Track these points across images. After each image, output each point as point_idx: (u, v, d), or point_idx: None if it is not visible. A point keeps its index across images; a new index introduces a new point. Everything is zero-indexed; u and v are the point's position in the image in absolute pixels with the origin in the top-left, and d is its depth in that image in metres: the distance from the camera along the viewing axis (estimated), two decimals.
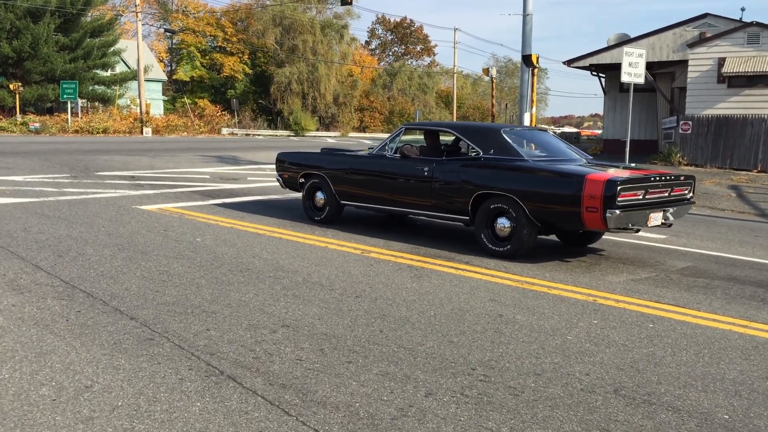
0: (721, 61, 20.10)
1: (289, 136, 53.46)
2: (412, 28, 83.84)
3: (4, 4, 39.59)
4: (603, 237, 8.86)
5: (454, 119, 71.30)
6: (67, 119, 38.94)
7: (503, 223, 7.67)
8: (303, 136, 54.37)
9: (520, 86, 20.15)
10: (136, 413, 3.59)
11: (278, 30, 61.13)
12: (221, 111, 52.84)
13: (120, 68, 49.64)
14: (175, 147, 26.85)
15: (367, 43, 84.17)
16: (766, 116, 19.12)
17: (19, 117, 38.93)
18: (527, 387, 4.09)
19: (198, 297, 5.73)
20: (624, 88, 25.76)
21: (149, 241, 7.95)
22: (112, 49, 47.03)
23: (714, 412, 3.83)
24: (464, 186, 7.91)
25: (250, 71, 63.17)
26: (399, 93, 71.15)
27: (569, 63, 25.48)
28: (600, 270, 7.36)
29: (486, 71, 25.38)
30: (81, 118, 40.87)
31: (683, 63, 22.30)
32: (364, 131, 66.03)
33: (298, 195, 11.36)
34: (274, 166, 17.99)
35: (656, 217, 7.45)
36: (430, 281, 6.58)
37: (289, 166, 10.05)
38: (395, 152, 8.78)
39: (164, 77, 60.96)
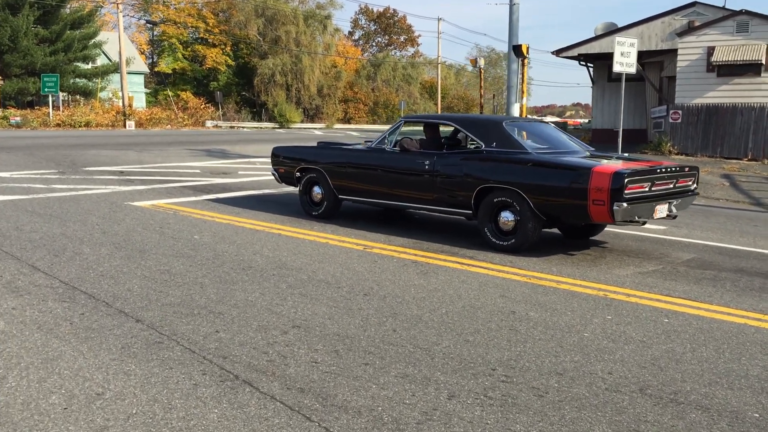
0: (710, 50, 20.11)
1: (274, 128, 53.09)
2: (396, 18, 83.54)
3: None
4: (604, 229, 8.79)
5: (439, 110, 71.18)
6: (49, 113, 38.38)
7: (507, 217, 7.57)
8: (288, 128, 54.02)
9: (507, 76, 20.05)
10: (152, 421, 3.46)
11: (261, 21, 60.66)
12: (205, 103, 52.35)
13: (101, 61, 49.00)
14: (161, 140, 26.53)
15: (351, 33, 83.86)
16: (755, 105, 19.17)
17: None
18: (551, 387, 3.99)
19: (203, 297, 5.59)
20: (612, 77, 25.78)
21: (146, 239, 7.78)
22: (92, 41, 46.40)
23: (744, 411, 3.76)
24: (466, 179, 7.80)
25: (232, 63, 62.66)
26: (383, 84, 70.91)
27: (558, 53, 25.43)
28: (606, 263, 7.29)
29: (474, 61, 25.28)
30: (62, 111, 40.33)
31: (672, 52, 22.30)
32: (349, 123, 65.79)
33: (294, 189, 11.21)
34: (264, 160, 17.82)
35: (662, 209, 7.38)
36: (437, 277, 6.47)
37: (285, 161, 9.89)
38: (394, 145, 8.65)
39: (146, 69, 60.29)
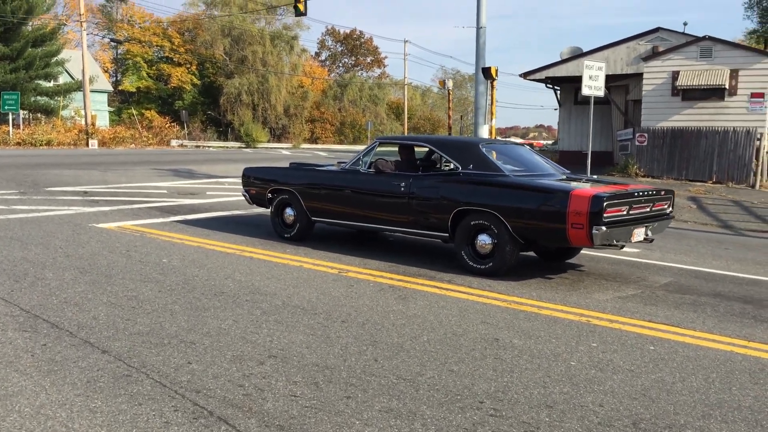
0: (675, 75, 20.41)
1: (240, 147, 52.64)
2: (362, 40, 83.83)
3: None
4: (580, 251, 8.72)
5: (405, 131, 71.42)
6: (9, 131, 37.49)
7: (484, 240, 7.44)
8: (255, 147, 53.61)
9: (475, 98, 20.09)
10: None
11: (227, 41, 60.42)
12: (170, 122, 51.72)
13: (63, 79, 48.17)
14: (125, 160, 26.03)
15: (317, 54, 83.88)
16: (720, 129, 19.45)
17: None
18: (542, 422, 3.83)
19: (173, 325, 5.33)
20: (579, 100, 26.06)
21: (112, 262, 7.48)
22: (55, 59, 45.58)
23: None
24: (443, 202, 7.67)
25: (198, 82, 62.18)
26: (350, 104, 70.99)
27: (525, 75, 25.63)
28: (585, 287, 7.19)
29: (442, 83, 25.33)
30: (23, 130, 39.42)
31: (637, 76, 22.60)
32: (316, 142, 65.59)
33: (265, 211, 10.98)
34: (233, 180, 17.54)
35: (639, 233, 7.33)
36: (416, 302, 6.30)
37: (256, 182, 9.66)
38: (369, 167, 8.49)
39: (110, 88, 59.49)
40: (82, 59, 40.79)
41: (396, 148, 9.06)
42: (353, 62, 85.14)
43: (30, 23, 45.02)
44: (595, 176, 12.77)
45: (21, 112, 40.57)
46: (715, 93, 20.00)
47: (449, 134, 25.39)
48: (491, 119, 18.53)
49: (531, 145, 64.44)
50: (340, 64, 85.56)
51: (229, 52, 60.94)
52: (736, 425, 3.88)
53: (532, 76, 25.79)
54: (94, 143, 40.36)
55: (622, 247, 7.26)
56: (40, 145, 36.87)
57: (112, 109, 58.86)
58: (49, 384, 4.10)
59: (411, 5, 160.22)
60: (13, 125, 38.09)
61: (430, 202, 7.79)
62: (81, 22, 41.55)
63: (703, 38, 20.49)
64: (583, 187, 7.11)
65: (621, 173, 20.22)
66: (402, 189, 7.97)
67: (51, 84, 45.97)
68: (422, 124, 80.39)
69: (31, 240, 8.59)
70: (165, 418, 3.69)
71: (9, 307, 5.67)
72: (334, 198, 8.66)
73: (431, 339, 5.24)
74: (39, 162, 22.64)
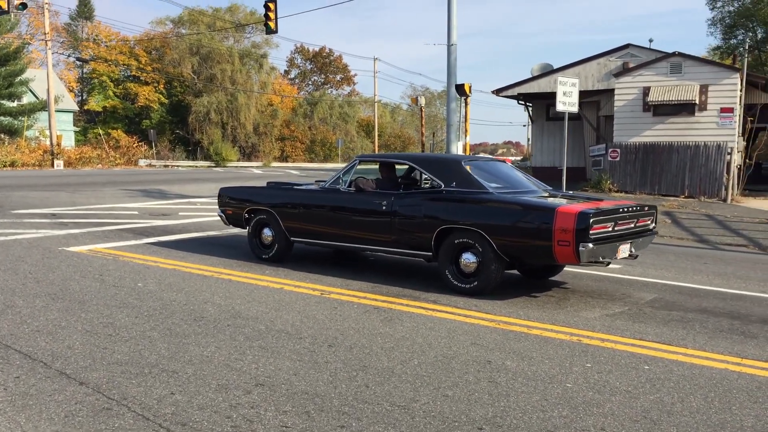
0: (646, 90, 20.63)
1: (210, 166, 52.17)
2: (332, 58, 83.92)
3: None
4: (564, 268, 8.65)
5: (376, 148, 71.48)
6: None
7: (469, 259, 7.32)
8: (225, 166, 53.19)
9: (447, 115, 20.11)
10: None
11: (195, 59, 60.10)
12: (138, 142, 51.08)
13: (28, 98, 47.39)
14: (93, 180, 25.55)
15: (287, 72, 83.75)
16: (691, 143, 19.68)
17: None
18: None
19: (153, 353, 5.11)
20: (550, 116, 26.27)
21: (85, 288, 7.21)
22: (18, 78, 44.86)
23: None
24: (426, 220, 7.54)
25: (166, 101, 61.65)
26: (320, 122, 70.87)
27: (498, 92, 25.76)
28: (571, 305, 7.10)
29: (415, 100, 25.39)
30: None
31: (608, 92, 22.83)
32: (286, 161, 65.29)
33: (240, 231, 10.77)
34: (205, 200, 17.27)
35: (624, 249, 7.26)
36: (402, 324, 6.14)
37: (233, 202, 9.45)
38: (349, 185, 8.34)
39: (75, 107, 58.66)
40: (47, 79, 40.16)
41: (376, 167, 8.93)
42: (323, 80, 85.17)
43: None
44: (570, 192, 12.77)
45: None
46: (686, 108, 20.25)
47: (422, 151, 25.36)
48: (466, 136, 18.54)
49: (504, 162, 64.96)
50: (310, 82, 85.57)
51: (197, 71, 60.58)
52: None
53: (504, 93, 25.93)
54: (59, 164, 39.69)
55: (608, 263, 7.19)
56: (4, 166, 36.14)
57: (77, 129, 58.03)
58: (24, 420, 3.86)
59: (380, 23, 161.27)
60: None
61: (413, 220, 7.66)
62: (46, 41, 40.92)
63: (673, 54, 20.78)
64: (569, 204, 7.03)
65: (594, 189, 20.34)
66: (384, 207, 7.83)
67: (15, 104, 45.21)
68: (393, 141, 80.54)
69: None
70: None
71: None
72: (314, 217, 8.49)
73: (422, 362, 5.09)
74: (3, 184, 22.13)
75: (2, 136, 44.02)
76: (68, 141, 50.35)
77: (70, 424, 3.82)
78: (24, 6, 25.92)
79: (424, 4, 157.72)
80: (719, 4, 52.37)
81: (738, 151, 20.73)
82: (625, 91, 21.06)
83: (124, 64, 61.44)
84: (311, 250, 9.96)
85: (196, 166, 51.48)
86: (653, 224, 7.95)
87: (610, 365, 5.15)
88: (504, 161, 9.23)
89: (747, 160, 21.43)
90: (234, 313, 6.35)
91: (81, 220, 12.79)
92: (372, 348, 5.41)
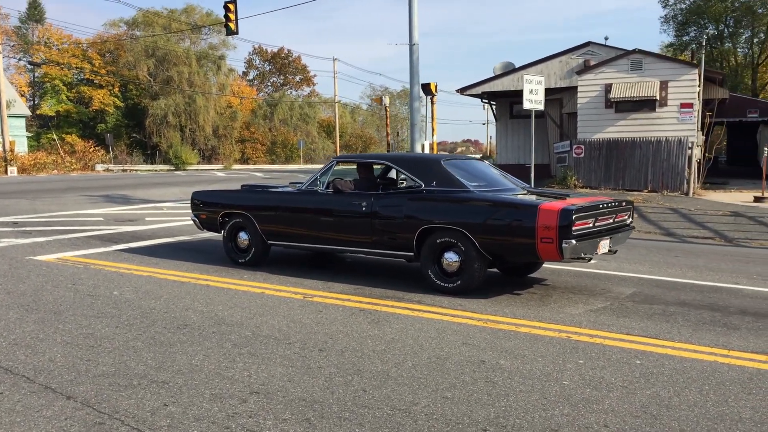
0: (608, 87, 20.92)
1: (170, 170, 51.39)
2: (291, 59, 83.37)
3: None
4: (543, 265, 8.69)
5: (338, 149, 71.29)
6: None
7: (451, 258, 7.30)
8: (185, 169, 52.47)
9: (410, 115, 20.12)
10: None
11: (151, 61, 59.13)
12: (94, 146, 50.05)
13: None
14: (52, 187, 24.95)
15: (245, 74, 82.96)
16: (653, 139, 20.03)
17: None
18: None
19: (140, 364, 4.97)
20: (514, 114, 26.47)
21: (59, 298, 7.00)
22: None
23: None
24: (407, 220, 7.49)
25: (121, 104, 60.52)
26: (280, 123, 70.34)
27: (462, 91, 25.86)
28: (554, 302, 7.12)
29: (379, 100, 25.34)
30: None
31: (571, 89, 23.09)
32: (247, 163, 64.68)
33: (212, 235, 10.62)
34: (171, 205, 16.99)
35: (604, 245, 7.32)
36: (390, 326, 6.08)
37: (207, 206, 9.28)
38: (327, 187, 8.25)
39: (27, 112, 57.13)
40: None
41: (352, 168, 8.85)
42: (282, 81, 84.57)
43: None
44: (538, 188, 12.86)
45: None
46: (647, 104, 20.59)
47: (388, 151, 25.33)
48: (433, 135, 18.57)
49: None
50: (269, 84, 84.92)
51: (153, 73, 59.63)
52: None
53: (468, 92, 26.04)
54: (13, 170, 38.72)
55: (590, 259, 7.23)
56: None
57: (30, 134, 56.58)
58: None
59: (337, 24, 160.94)
60: None
61: (393, 221, 7.60)
62: None
63: (634, 51, 21.10)
64: (550, 201, 7.05)
65: (560, 185, 20.55)
66: (364, 209, 7.76)
67: None
68: (354, 141, 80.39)
69: None
70: None
71: None
72: (292, 220, 8.38)
73: (416, 364, 5.04)
74: None
75: None
76: (21, 147, 49.09)
77: None
78: None
79: (380, 4, 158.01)
80: (671, 1, 53.53)
81: (698, 146, 21.14)
82: (588, 88, 21.33)
83: (77, 68, 60.19)
84: (287, 253, 9.84)
85: (156, 170, 50.69)
86: (630, 219, 8.03)
87: (602, 361, 5.16)
88: (478, 159, 9.21)
89: (706, 155, 21.89)
90: (218, 319, 6.22)
91: (45, 228, 12.45)
92: (363, 351, 5.34)
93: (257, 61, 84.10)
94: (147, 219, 14.39)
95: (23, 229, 12.37)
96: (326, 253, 9.52)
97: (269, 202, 8.64)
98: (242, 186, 9.76)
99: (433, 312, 6.59)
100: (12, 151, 40.44)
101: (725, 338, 5.84)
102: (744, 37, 53.90)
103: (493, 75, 25.53)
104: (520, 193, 7.84)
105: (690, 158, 19.81)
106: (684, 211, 16.61)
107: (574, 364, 5.09)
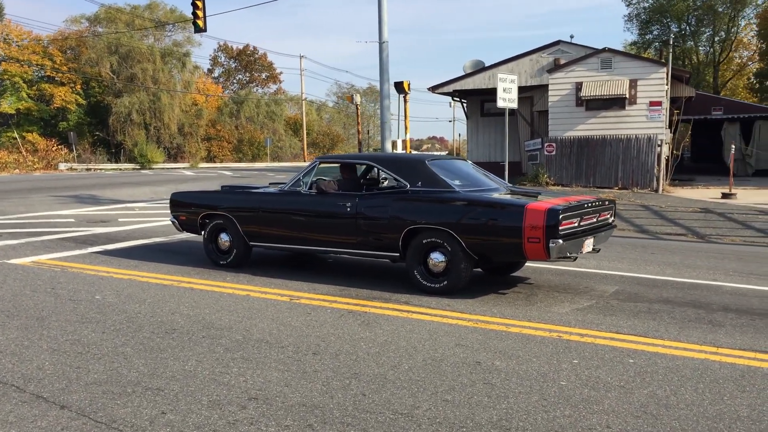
0: (578, 86, 21.13)
1: (135, 169, 50.65)
2: (256, 56, 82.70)
3: None
4: (525, 264, 8.74)
5: (305, 146, 70.99)
6: None
7: (437, 258, 7.30)
8: (151, 168, 51.74)
9: (381, 113, 20.09)
10: None
11: (114, 58, 58.13)
12: (57, 145, 49.09)
13: None
14: (17, 187, 24.40)
15: (210, 71, 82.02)
16: (623, 136, 20.30)
17: None
18: None
19: (132, 371, 4.87)
20: (485, 112, 26.60)
21: (40, 303, 6.84)
22: None
23: None
24: (393, 221, 7.47)
25: (84, 102, 59.36)
26: (247, 121, 69.69)
27: (434, 89, 25.90)
28: (540, 300, 7.16)
29: (350, 98, 25.24)
30: None
31: (541, 87, 23.28)
32: (213, 161, 63.98)
33: (189, 236, 10.51)
34: (143, 205, 16.73)
35: (589, 244, 7.38)
36: (381, 328, 6.05)
37: (187, 207, 9.15)
38: (311, 187, 8.19)
39: None
40: None
41: (334, 168, 8.79)
42: (248, 78, 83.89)
43: None
44: (521, 188, 12.93)
45: None
46: (617, 102, 20.85)
47: (359, 150, 25.27)
48: (406, 133, 18.56)
49: None
50: (235, 81, 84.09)
51: (116, 70, 58.64)
52: None
53: (440, 90, 26.09)
54: None
55: (575, 258, 7.28)
56: None
57: None
58: None
59: (302, 21, 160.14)
60: None
61: (379, 221, 7.57)
62: None
63: (603, 50, 21.35)
64: (537, 201, 7.08)
65: (532, 182, 20.71)
66: (348, 209, 7.72)
67: None
68: (321, 139, 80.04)
69: None
70: None
71: None
72: (275, 221, 8.30)
73: (412, 367, 5.03)
74: None
75: None
76: None
77: None
78: None
79: (346, 1, 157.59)
80: (635, 0, 54.35)
81: (666, 143, 21.48)
82: (559, 86, 21.53)
83: (37, 65, 58.89)
84: (269, 254, 9.75)
85: (122, 169, 49.92)
86: (612, 218, 8.12)
87: (596, 360, 5.20)
88: (461, 159, 9.22)
89: (674, 152, 22.25)
90: (206, 323, 6.14)
91: (16, 230, 12.17)
92: (358, 354, 5.31)
93: (223, 58, 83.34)
94: (120, 220, 14.14)
95: None
96: (307, 254, 9.45)
97: (251, 203, 8.55)
98: (222, 187, 9.64)
99: (422, 313, 6.58)
100: None
101: (712, 335, 5.92)
102: (706, 35, 55.03)
103: (463, 73, 25.61)
104: (504, 192, 7.87)
105: (659, 156, 20.13)
106: (655, 208, 16.85)
107: (568, 364, 5.12)
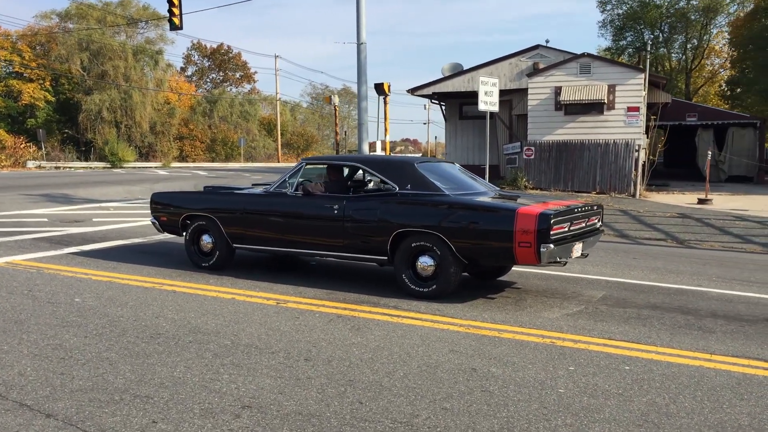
0: (557, 90, 21.23)
1: (106, 167, 49.90)
2: (231, 55, 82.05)
3: None
4: (511, 269, 8.70)
5: (279, 147, 70.60)
6: None
7: (426, 262, 7.21)
8: (122, 167, 51.02)
9: (358, 114, 19.95)
10: None
11: (85, 55, 57.22)
12: (25, 142, 48.18)
13: None
14: None
15: (183, 69, 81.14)
16: (601, 141, 20.42)
17: None
18: None
19: (118, 377, 4.71)
20: (463, 115, 26.62)
21: (17, 306, 6.62)
22: None
23: None
24: (381, 224, 7.36)
25: (53, 99, 58.31)
26: (220, 121, 69.09)
27: (413, 91, 25.86)
28: (529, 306, 7.11)
29: (329, 99, 25.08)
30: None
31: (520, 91, 23.35)
32: (185, 161, 63.29)
33: (168, 237, 10.31)
34: (117, 204, 16.43)
35: (578, 249, 7.34)
36: (372, 333, 5.95)
37: (168, 208, 8.95)
38: (297, 189, 8.05)
39: None
40: None
41: (320, 170, 8.67)
42: (222, 78, 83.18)
43: None
44: (510, 192, 12.90)
45: None
46: (595, 107, 20.98)
47: (337, 151, 25.13)
48: (386, 135, 18.47)
49: None
50: (208, 80, 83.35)
51: (87, 67, 57.71)
52: None
53: (419, 92, 26.06)
54: None
55: (565, 263, 7.24)
56: None
57: None
58: None
59: (277, 20, 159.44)
60: None
61: (367, 224, 7.46)
62: None
63: (582, 55, 21.48)
64: (527, 205, 7.02)
65: (511, 186, 20.75)
66: (336, 212, 7.60)
67: None
68: (295, 140, 79.66)
69: None
70: None
71: None
72: (260, 223, 8.14)
73: (407, 373, 4.93)
74: None
75: None
76: None
77: None
78: None
79: (321, 1, 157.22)
80: (609, 7, 54.92)
81: (643, 149, 21.67)
82: (538, 90, 21.61)
83: (5, 60, 57.75)
84: (252, 256, 9.59)
85: (92, 168, 49.14)
86: (600, 223, 8.10)
87: (592, 367, 5.15)
88: (449, 162, 9.14)
89: (650, 157, 22.44)
90: (192, 327, 5.98)
91: None
92: (351, 360, 5.20)
93: (196, 57, 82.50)
94: (95, 220, 13.85)
95: None
96: (289, 256, 9.31)
97: (235, 204, 8.38)
98: (205, 188, 9.46)
99: (412, 318, 6.49)
100: None
101: (704, 342, 5.91)
102: (678, 42, 55.74)
103: (442, 76, 25.60)
104: (494, 196, 7.81)
105: (637, 161, 20.28)
106: (633, 212, 16.96)
107: (564, 370, 5.06)
